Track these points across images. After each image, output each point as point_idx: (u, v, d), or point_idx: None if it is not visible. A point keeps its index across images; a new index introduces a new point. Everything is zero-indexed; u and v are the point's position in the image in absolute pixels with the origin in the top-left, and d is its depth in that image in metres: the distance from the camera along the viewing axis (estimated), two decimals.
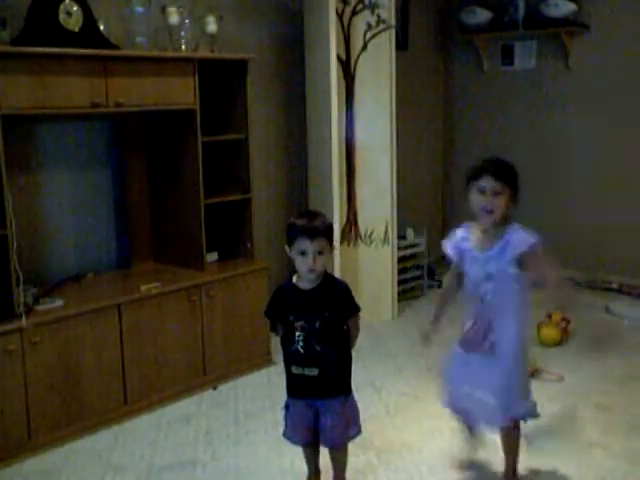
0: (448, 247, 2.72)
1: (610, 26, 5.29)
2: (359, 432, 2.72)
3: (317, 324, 2.56)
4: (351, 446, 3.20)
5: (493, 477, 2.90)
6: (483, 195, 2.52)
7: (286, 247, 2.63)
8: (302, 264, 2.56)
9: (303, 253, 2.55)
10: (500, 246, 2.53)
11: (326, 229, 2.59)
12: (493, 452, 2.93)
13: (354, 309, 2.63)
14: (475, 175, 2.55)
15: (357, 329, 2.72)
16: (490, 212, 2.51)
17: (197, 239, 3.85)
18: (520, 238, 2.51)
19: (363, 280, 4.86)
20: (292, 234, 2.59)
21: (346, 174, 4.79)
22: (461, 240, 2.67)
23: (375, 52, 4.67)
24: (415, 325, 4.79)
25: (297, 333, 2.61)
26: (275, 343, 4.33)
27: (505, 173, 2.55)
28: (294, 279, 2.65)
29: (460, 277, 2.74)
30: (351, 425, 2.70)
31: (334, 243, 2.72)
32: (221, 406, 3.65)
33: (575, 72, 5.49)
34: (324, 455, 2.78)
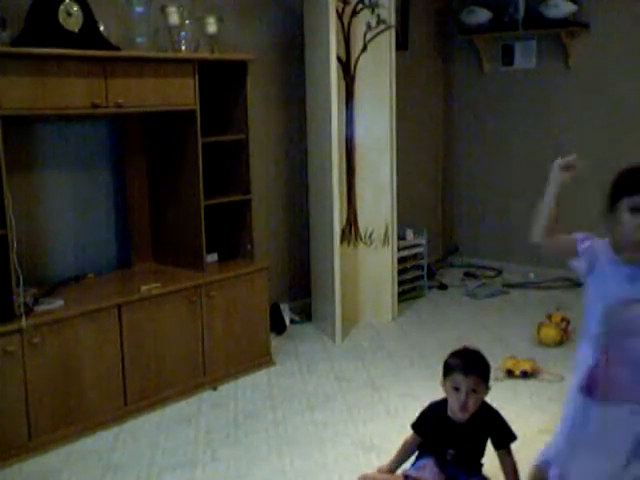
0: (583, 242, 2.17)
1: (610, 26, 5.29)
2: None
3: (468, 454, 2.59)
4: (352, 446, 3.21)
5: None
6: (638, 214, 2.06)
7: (441, 380, 2.65)
8: (455, 401, 2.56)
9: (456, 389, 2.55)
10: None
11: (482, 368, 2.58)
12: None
13: (511, 437, 2.63)
14: (629, 192, 2.10)
15: (513, 465, 2.58)
16: None
17: (197, 240, 3.85)
18: None
19: (363, 280, 4.86)
20: (448, 367, 2.61)
21: (346, 174, 4.79)
22: (602, 245, 2.15)
23: (375, 52, 4.67)
24: (415, 325, 4.82)
25: (447, 455, 2.67)
26: (275, 343, 4.35)
27: None
28: (451, 413, 2.65)
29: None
30: None
31: (489, 384, 2.63)
32: (221, 406, 3.65)
33: (575, 72, 5.49)
34: None
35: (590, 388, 2.12)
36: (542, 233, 2.18)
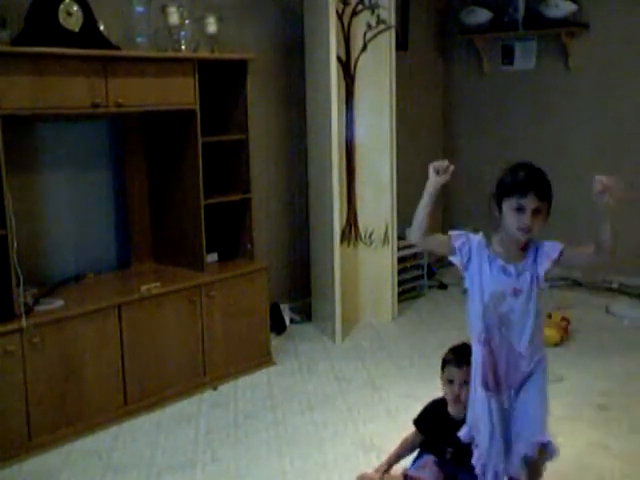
0: (457, 239, 2.32)
1: (610, 26, 5.28)
2: None
3: (467, 452, 2.56)
4: (352, 446, 3.21)
5: None
6: (521, 213, 2.21)
7: (440, 375, 2.74)
8: (449, 393, 2.67)
9: (450, 381, 2.67)
10: (531, 257, 2.29)
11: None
12: None
13: None
14: (514, 191, 2.22)
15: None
16: (529, 231, 2.23)
17: (197, 239, 3.84)
18: (550, 245, 2.30)
19: (363, 280, 4.86)
20: (444, 361, 2.73)
21: (346, 174, 4.79)
22: (477, 242, 2.32)
23: (375, 52, 4.67)
24: (415, 325, 4.82)
25: (447, 454, 2.70)
26: (275, 343, 4.35)
27: (547, 189, 2.26)
28: (449, 408, 2.70)
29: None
30: None
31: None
32: (221, 406, 3.65)
33: (575, 72, 5.49)
34: None
35: (486, 383, 2.32)
36: (419, 232, 2.34)
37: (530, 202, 2.20)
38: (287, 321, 4.68)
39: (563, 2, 5.25)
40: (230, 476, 3.00)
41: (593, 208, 2.24)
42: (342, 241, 4.72)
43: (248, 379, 3.96)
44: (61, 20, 3.26)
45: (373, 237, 4.85)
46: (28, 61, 3.10)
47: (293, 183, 4.92)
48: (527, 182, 2.23)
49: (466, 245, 2.31)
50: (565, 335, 4.36)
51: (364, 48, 4.66)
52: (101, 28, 3.47)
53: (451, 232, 2.36)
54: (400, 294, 5.10)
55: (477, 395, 2.37)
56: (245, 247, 4.14)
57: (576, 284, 5.42)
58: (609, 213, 2.22)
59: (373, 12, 4.61)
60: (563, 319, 4.41)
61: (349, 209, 4.83)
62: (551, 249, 2.30)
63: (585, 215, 5.54)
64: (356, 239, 4.87)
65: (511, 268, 2.28)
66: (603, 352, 4.24)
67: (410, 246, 5.34)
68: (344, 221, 4.80)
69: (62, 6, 3.26)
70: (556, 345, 4.29)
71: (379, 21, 4.61)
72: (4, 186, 3.07)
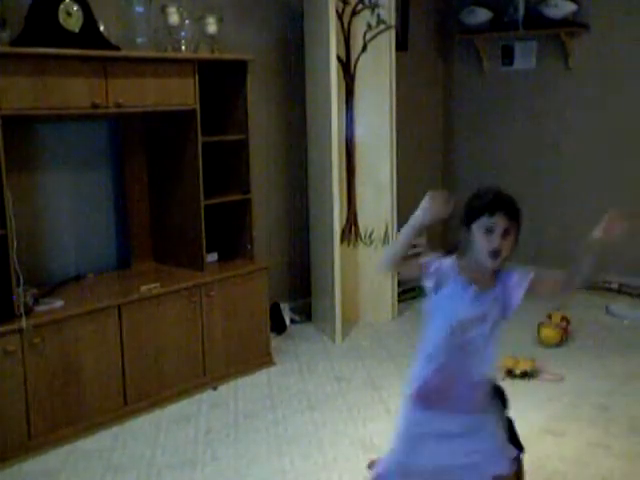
0: (430, 265, 2.23)
1: (610, 26, 5.28)
2: None
3: None
4: (351, 447, 3.21)
5: None
6: (491, 235, 2.16)
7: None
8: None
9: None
10: (501, 285, 2.24)
11: None
12: None
13: (519, 449, 2.48)
14: (481, 212, 2.18)
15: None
16: (499, 255, 2.17)
17: (197, 239, 3.85)
18: (520, 274, 2.23)
19: (363, 280, 4.86)
20: None
21: (346, 174, 4.79)
22: (450, 267, 2.23)
23: (375, 52, 4.67)
24: (415, 325, 4.81)
25: None
26: (275, 343, 4.35)
27: (516, 209, 2.22)
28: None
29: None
30: None
31: None
32: (221, 406, 3.65)
33: (575, 72, 5.49)
34: None
35: (420, 399, 2.27)
36: (392, 261, 2.27)
37: (499, 221, 2.15)
38: (287, 321, 4.68)
39: (563, 2, 5.25)
40: (230, 476, 3.00)
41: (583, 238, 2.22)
42: (342, 241, 4.72)
43: (248, 379, 3.96)
44: (61, 20, 3.26)
45: (373, 237, 4.85)
46: (28, 62, 3.11)
47: (293, 183, 4.92)
48: (496, 202, 2.20)
49: (439, 271, 2.23)
50: (565, 335, 4.36)
51: (364, 48, 4.67)
52: (101, 28, 3.47)
53: (423, 258, 2.26)
54: (400, 294, 5.09)
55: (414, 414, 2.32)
56: (245, 247, 4.14)
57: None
58: (603, 247, 2.19)
59: (373, 12, 4.61)
60: (563, 319, 4.41)
61: (349, 209, 4.84)
62: (522, 279, 2.23)
63: (583, 212, 5.56)
64: (356, 239, 4.87)
65: (482, 296, 2.22)
66: (603, 352, 4.24)
67: (410, 246, 5.33)
68: (344, 221, 4.80)
69: (62, 6, 3.26)
70: (556, 345, 4.29)
71: (379, 21, 4.61)
72: (4, 186, 3.07)
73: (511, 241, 2.18)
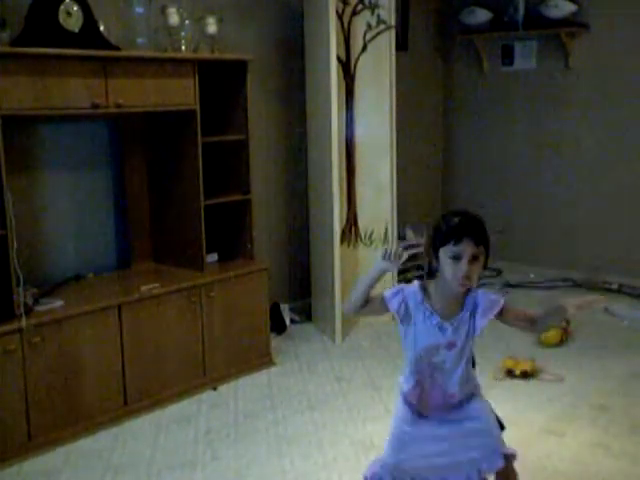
0: (392, 300, 2.26)
1: (610, 26, 5.29)
2: None
3: None
4: (351, 447, 3.21)
5: None
6: (458, 262, 2.15)
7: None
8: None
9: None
10: (468, 310, 2.25)
11: None
12: None
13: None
14: (449, 238, 2.16)
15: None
16: (467, 280, 2.17)
17: (197, 240, 3.85)
18: (490, 299, 2.24)
19: None
20: None
21: (346, 174, 4.79)
22: (413, 297, 2.27)
23: (375, 52, 4.67)
24: None
25: None
26: (275, 343, 4.35)
27: (484, 235, 2.19)
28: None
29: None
30: None
31: None
32: (221, 406, 3.65)
33: (575, 72, 5.49)
34: None
35: (410, 404, 2.36)
36: (356, 306, 2.29)
37: (466, 248, 2.13)
38: (287, 321, 4.68)
39: (563, 2, 5.26)
40: (230, 476, 3.00)
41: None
42: (342, 241, 4.72)
43: (248, 379, 3.96)
44: (61, 20, 3.26)
45: (373, 237, 4.85)
46: (28, 62, 3.11)
47: (293, 183, 4.92)
48: (462, 227, 2.16)
49: (402, 304, 2.26)
50: (565, 335, 4.36)
51: (364, 48, 4.66)
52: (101, 28, 3.47)
53: (385, 293, 2.29)
54: None
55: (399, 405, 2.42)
56: (245, 247, 4.14)
57: (576, 285, 5.43)
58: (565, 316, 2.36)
59: (373, 12, 4.61)
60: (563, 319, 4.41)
61: (349, 209, 4.84)
62: (491, 305, 2.23)
63: (584, 212, 5.56)
64: (356, 239, 4.87)
65: (447, 325, 2.23)
66: (603, 352, 4.24)
67: (410, 246, 5.34)
68: (344, 221, 4.80)
69: (62, 6, 3.26)
70: (556, 345, 4.29)
71: (379, 21, 4.61)
72: (4, 186, 3.07)
73: (479, 266, 2.18)
